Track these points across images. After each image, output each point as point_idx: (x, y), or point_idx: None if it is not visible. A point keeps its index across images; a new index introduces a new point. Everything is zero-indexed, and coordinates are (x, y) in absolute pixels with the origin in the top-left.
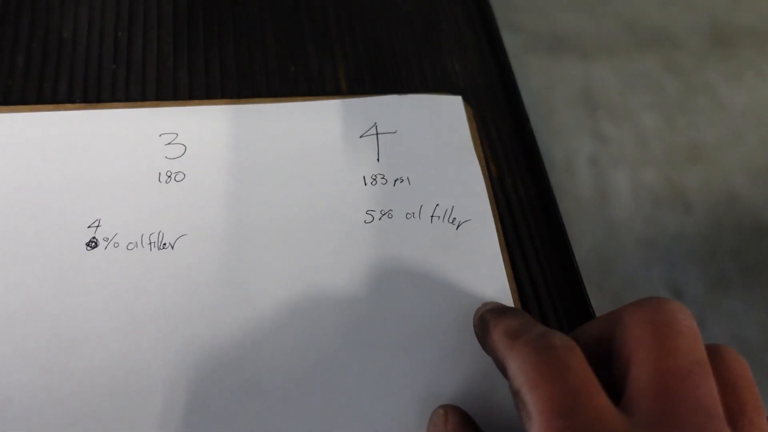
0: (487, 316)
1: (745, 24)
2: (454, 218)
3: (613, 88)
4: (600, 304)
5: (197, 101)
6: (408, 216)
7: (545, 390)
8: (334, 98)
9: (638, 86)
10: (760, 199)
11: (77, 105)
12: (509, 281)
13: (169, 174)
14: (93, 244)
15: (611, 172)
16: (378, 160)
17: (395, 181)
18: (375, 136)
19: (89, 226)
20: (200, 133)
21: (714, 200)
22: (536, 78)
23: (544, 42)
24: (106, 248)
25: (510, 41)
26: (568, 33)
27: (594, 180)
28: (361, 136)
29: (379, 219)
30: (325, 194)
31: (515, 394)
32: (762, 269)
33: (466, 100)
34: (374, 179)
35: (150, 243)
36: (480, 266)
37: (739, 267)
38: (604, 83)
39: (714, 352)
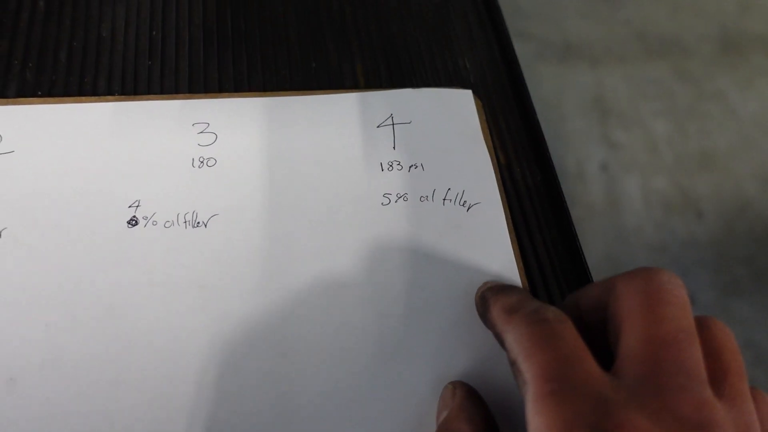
0: (487, 294)
1: (755, 31)
2: (465, 201)
3: (623, 95)
4: None
5: (226, 94)
6: (422, 199)
7: (538, 358)
8: (353, 91)
9: (649, 93)
10: None
11: (117, 97)
12: (516, 259)
13: (201, 160)
14: (133, 222)
15: (622, 179)
16: (394, 148)
17: (410, 167)
18: (391, 126)
19: (130, 206)
20: (229, 123)
21: (725, 207)
22: (547, 85)
23: (555, 50)
24: (145, 226)
25: (521, 49)
26: (579, 41)
27: (605, 186)
28: (378, 126)
29: (395, 202)
30: (346, 179)
31: (512, 363)
32: None
33: (475, 93)
34: (391, 165)
35: (185, 221)
36: (489, 245)
37: (751, 273)
38: (614, 90)
39: (702, 323)
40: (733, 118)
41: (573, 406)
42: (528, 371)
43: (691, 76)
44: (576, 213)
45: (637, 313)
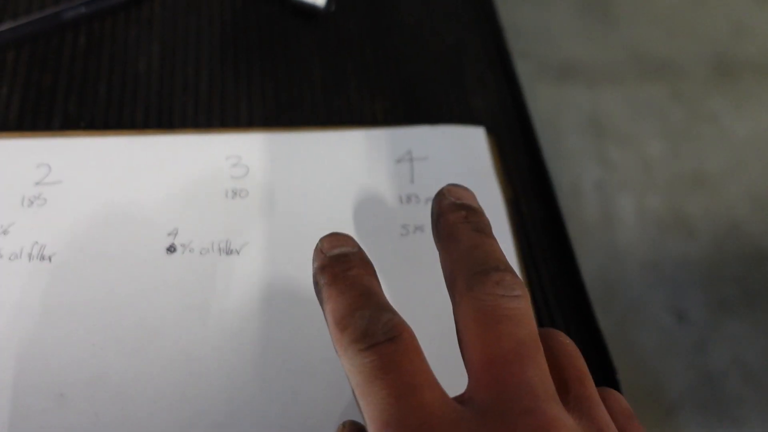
0: (318, 279)
1: (748, 55)
2: None
3: (619, 115)
4: (605, 326)
5: (256, 128)
6: None
7: (372, 398)
8: (374, 128)
9: (644, 114)
10: (763, 226)
11: (154, 130)
12: None
13: (234, 191)
14: (172, 249)
15: (617, 197)
16: (412, 181)
17: (427, 200)
18: (410, 161)
19: (168, 234)
20: (260, 156)
21: (717, 227)
22: (544, 104)
23: (553, 69)
24: (183, 253)
25: (518, 68)
26: (576, 61)
27: (600, 204)
28: (397, 161)
29: (413, 233)
30: (366, 210)
31: (353, 393)
32: (764, 295)
33: (487, 131)
34: (409, 198)
35: (219, 249)
36: None
37: (742, 292)
38: (610, 110)
39: (543, 335)
40: (725, 140)
41: None
42: (365, 412)
43: (685, 98)
44: (570, 230)
45: (474, 333)
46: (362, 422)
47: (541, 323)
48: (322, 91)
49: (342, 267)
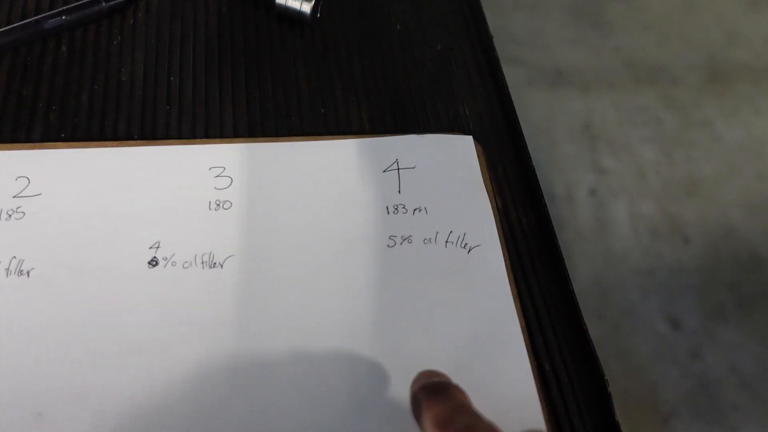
0: (420, 396)
1: (741, 61)
2: (466, 243)
3: (612, 121)
4: (599, 333)
5: (241, 138)
6: (425, 241)
7: None
8: (360, 137)
9: (637, 120)
10: (757, 232)
11: (137, 141)
12: (514, 300)
13: (218, 202)
14: (154, 262)
15: (610, 204)
16: (399, 191)
17: (414, 210)
18: (396, 170)
19: (150, 247)
20: (245, 167)
21: (711, 233)
22: (537, 111)
23: (546, 76)
24: (165, 266)
25: (512, 75)
26: (569, 68)
27: (593, 211)
28: (384, 171)
29: (401, 243)
30: (353, 221)
31: None
32: (759, 301)
33: (475, 139)
34: (396, 209)
35: (203, 262)
36: (489, 286)
37: (736, 299)
38: (603, 117)
39: None
40: (719, 145)
41: None
42: None
43: (678, 104)
44: (564, 237)
45: None
46: None
47: (530, 332)
48: (309, 100)
49: (440, 386)
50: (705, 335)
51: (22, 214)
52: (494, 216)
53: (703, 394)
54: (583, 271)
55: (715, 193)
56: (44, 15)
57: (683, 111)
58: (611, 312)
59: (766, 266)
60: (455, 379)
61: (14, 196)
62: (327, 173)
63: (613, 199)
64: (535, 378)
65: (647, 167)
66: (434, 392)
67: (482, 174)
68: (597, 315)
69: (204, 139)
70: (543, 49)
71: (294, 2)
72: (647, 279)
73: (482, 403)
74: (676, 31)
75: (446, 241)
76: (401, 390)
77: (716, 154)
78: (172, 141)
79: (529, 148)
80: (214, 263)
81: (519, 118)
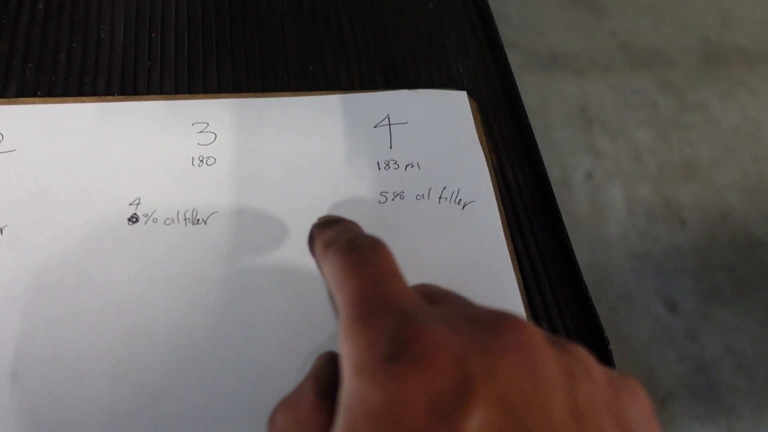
0: (313, 230)
1: (736, 44)
2: (460, 199)
3: (608, 105)
4: None
5: (225, 94)
6: (418, 197)
7: (348, 286)
8: (349, 93)
9: (633, 103)
10: (753, 214)
11: (117, 97)
12: (510, 255)
13: (201, 158)
14: (134, 219)
15: (606, 188)
16: (390, 147)
17: (406, 166)
18: (388, 126)
19: (130, 204)
20: (229, 123)
21: (707, 215)
22: (533, 95)
23: (541, 60)
24: (146, 223)
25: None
26: (564, 51)
27: (590, 195)
28: (375, 126)
29: (392, 200)
30: (343, 178)
31: (330, 299)
32: (754, 283)
33: (469, 96)
34: (387, 165)
35: (185, 219)
36: (484, 242)
37: (732, 281)
38: (599, 100)
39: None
40: (715, 128)
41: (375, 325)
42: (339, 300)
43: (674, 87)
44: None
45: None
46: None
47: (528, 291)
48: (296, 58)
49: (333, 219)
50: (701, 317)
51: None
52: (490, 174)
53: (700, 376)
54: (579, 254)
55: (711, 175)
56: None
57: (679, 94)
58: (608, 295)
59: (762, 248)
60: None
61: None
62: (315, 129)
63: (609, 183)
64: None
65: (643, 150)
66: (326, 224)
67: (477, 130)
68: (594, 299)
69: (187, 95)
70: (538, 32)
71: None
72: (644, 262)
73: None
74: (672, 14)
75: (440, 197)
76: None
77: (712, 137)
78: (153, 96)
79: (530, 125)
80: (198, 220)
81: None
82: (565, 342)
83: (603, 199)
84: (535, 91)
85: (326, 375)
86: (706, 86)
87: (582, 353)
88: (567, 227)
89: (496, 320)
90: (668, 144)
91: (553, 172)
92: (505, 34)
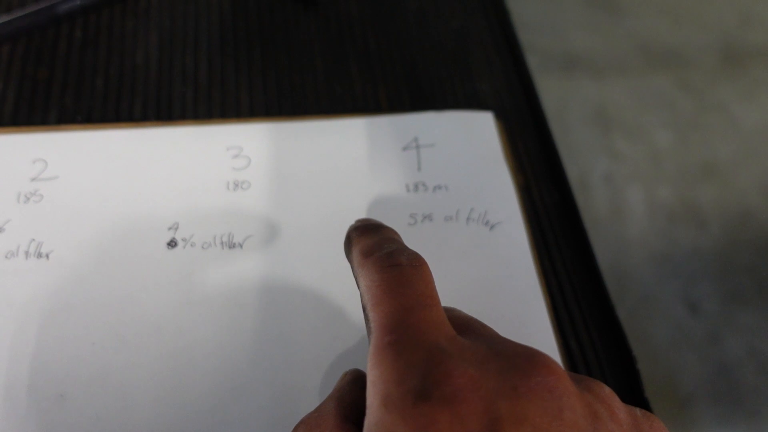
0: (352, 234)
1: (756, 43)
2: (488, 220)
3: (626, 106)
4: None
5: (258, 118)
6: (446, 219)
7: (383, 307)
8: (379, 115)
9: (651, 104)
10: None
11: (153, 122)
12: (539, 277)
13: (236, 183)
14: (173, 243)
15: (626, 189)
16: (419, 169)
17: (434, 188)
18: (416, 148)
19: (169, 228)
20: (262, 147)
21: (728, 217)
22: (551, 97)
23: (558, 61)
24: (184, 247)
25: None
26: (582, 53)
27: (609, 197)
28: (403, 149)
29: (421, 221)
30: (373, 200)
31: (364, 311)
32: None
33: (495, 116)
34: (416, 186)
35: (222, 243)
36: (512, 262)
37: (754, 282)
38: (617, 102)
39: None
40: (734, 129)
41: (407, 357)
42: (373, 321)
43: (693, 87)
44: None
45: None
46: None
47: (556, 310)
48: (325, 79)
49: (372, 225)
50: (723, 319)
51: (40, 197)
52: (516, 193)
53: (722, 378)
54: (599, 257)
55: (732, 176)
56: (57, 0)
57: (698, 94)
58: (629, 298)
59: None
60: None
61: (32, 179)
62: (345, 152)
63: (628, 185)
64: (561, 356)
65: (662, 152)
66: (365, 230)
67: (503, 150)
68: (614, 301)
69: (220, 119)
70: (555, 34)
71: None
72: (664, 264)
73: None
74: (690, 14)
75: (468, 219)
76: None
77: (732, 138)
78: (188, 122)
79: (555, 144)
80: (234, 243)
81: None
82: (590, 382)
83: (622, 200)
84: (552, 93)
85: (349, 395)
86: (725, 86)
87: (607, 394)
88: (586, 229)
89: (525, 360)
90: (687, 145)
91: (571, 174)
92: (522, 36)
